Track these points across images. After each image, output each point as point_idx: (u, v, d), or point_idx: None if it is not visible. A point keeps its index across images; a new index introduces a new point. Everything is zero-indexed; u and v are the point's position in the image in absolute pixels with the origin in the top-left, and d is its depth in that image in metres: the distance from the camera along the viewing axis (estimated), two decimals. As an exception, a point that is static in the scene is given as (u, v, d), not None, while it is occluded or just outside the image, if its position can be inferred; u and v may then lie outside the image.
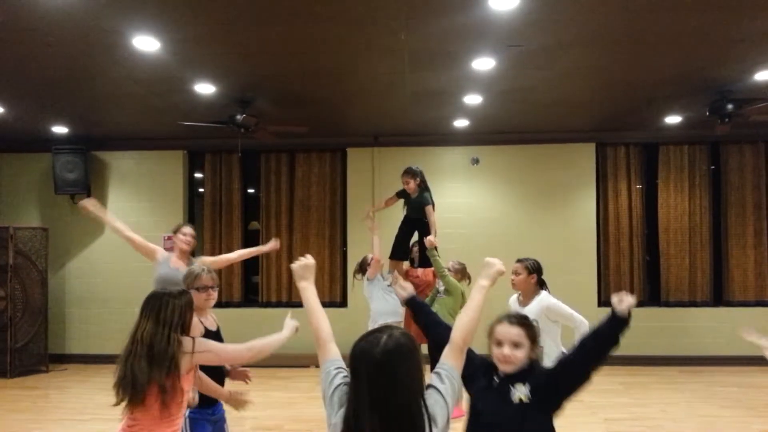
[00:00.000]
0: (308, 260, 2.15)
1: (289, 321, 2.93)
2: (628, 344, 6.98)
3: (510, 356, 2.20)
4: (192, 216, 8.62)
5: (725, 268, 8.10)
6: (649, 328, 7.82)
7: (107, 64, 5.16)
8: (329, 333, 2.00)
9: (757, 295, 7.91)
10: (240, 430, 5.36)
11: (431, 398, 1.76)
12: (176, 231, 4.90)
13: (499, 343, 2.23)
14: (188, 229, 4.90)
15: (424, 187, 5.47)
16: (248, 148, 7.92)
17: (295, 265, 2.15)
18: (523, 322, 2.27)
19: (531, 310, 3.72)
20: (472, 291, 2.09)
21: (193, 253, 5.11)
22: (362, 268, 5.71)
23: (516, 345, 2.21)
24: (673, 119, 7.21)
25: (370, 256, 5.64)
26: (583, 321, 3.81)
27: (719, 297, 8.07)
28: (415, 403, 1.67)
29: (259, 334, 9.13)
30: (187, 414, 2.97)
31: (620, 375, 7.15)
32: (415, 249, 5.92)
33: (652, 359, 7.76)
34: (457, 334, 1.94)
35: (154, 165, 8.36)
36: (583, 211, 8.08)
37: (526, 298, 3.93)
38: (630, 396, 6.49)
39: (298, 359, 7.82)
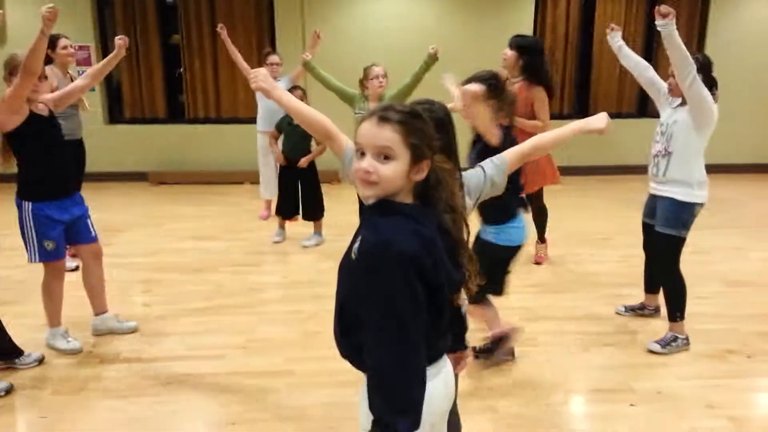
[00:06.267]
0: (260, 72, 1.89)
1: None
2: (553, 156, 7.09)
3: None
4: (103, 26, 7.87)
5: (653, 80, 8.25)
6: (574, 139, 7.91)
7: None
8: (332, 124, 1.85)
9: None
10: (176, 238, 5.44)
11: (473, 171, 1.88)
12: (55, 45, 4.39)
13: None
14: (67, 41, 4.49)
15: None
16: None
17: (258, 83, 1.87)
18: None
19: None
20: (566, 127, 2.09)
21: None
22: None
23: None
24: None
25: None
26: None
27: (644, 109, 8.32)
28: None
29: (187, 150, 8.94)
30: (30, 209, 3.09)
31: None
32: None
33: (576, 169, 8.11)
34: (529, 145, 2.02)
35: (51, -37, 7.38)
36: (519, 21, 7.81)
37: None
38: (549, 202, 6.84)
39: (233, 176, 7.79)
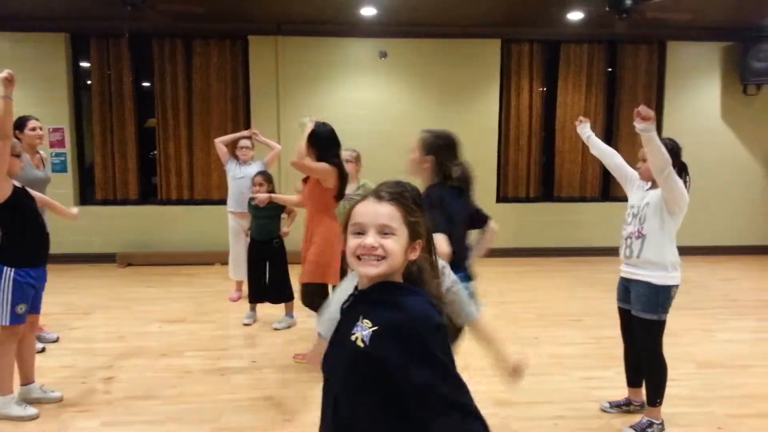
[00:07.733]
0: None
1: None
2: (522, 238, 7.31)
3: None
4: (79, 108, 7.98)
5: (614, 166, 8.58)
6: (542, 222, 8.29)
7: None
8: None
9: (640, 190, 8.48)
10: (142, 321, 5.29)
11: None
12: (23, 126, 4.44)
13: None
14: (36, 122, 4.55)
15: None
16: (138, 32, 7.32)
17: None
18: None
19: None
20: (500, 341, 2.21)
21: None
22: None
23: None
24: (575, 15, 7.29)
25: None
26: None
27: (606, 193, 8.61)
28: None
29: (157, 231, 8.83)
30: (11, 275, 3.24)
31: (514, 265, 7.61)
32: None
33: (544, 251, 8.26)
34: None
35: (32, 48, 7.55)
36: (486, 109, 8.19)
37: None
38: (521, 283, 6.94)
39: (203, 257, 7.71)
